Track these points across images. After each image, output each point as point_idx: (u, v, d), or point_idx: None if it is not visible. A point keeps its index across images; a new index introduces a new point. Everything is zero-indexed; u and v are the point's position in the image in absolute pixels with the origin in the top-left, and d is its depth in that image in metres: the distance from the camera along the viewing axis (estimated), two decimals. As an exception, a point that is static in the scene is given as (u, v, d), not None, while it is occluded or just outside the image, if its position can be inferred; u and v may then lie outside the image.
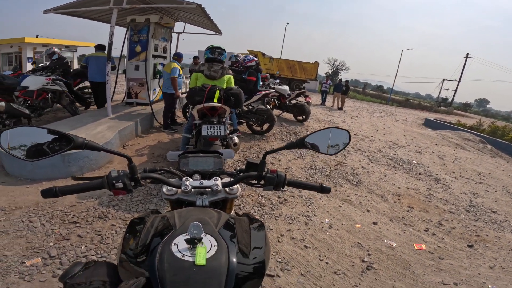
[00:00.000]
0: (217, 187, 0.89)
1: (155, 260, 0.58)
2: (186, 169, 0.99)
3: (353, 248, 2.52)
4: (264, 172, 0.92)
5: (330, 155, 1.01)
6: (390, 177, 4.50)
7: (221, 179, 0.95)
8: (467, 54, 29.30)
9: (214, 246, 0.62)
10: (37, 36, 19.06)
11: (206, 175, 0.98)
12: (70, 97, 5.53)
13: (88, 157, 3.36)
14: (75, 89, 6.02)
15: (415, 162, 5.53)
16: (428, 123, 12.21)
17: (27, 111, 4.39)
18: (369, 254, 2.45)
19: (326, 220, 2.94)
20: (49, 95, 5.07)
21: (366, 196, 3.64)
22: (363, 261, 2.35)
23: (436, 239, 2.84)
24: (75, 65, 19.48)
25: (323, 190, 0.94)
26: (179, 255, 0.59)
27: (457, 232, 3.02)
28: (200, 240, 0.60)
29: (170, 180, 0.91)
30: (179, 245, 0.61)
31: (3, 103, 3.98)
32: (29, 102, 4.69)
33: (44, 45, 16.18)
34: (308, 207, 3.16)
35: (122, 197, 2.83)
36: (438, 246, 2.71)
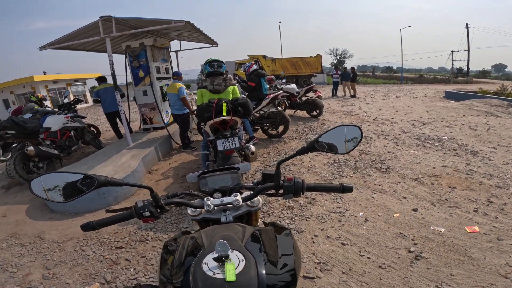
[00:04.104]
0: (238, 202, 0.92)
1: (189, 280, 0.62)
2: (206, 189, 1.04)
3: (396, 239, 2.38)
4: (281, 181, 0.92)
5: (343, 154, 1.00)
6: (422, 157, 4.26)
7: (241, 193, 0.98)
8: (467, 24, 28.77)
9: (242, 261, 0.65)
10: (44, 73, 19.81)
11: (226, 192, 1.02)
12: (91, 132, 5.74)
13: (121, 188, 3.49)
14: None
15: (445, 137, 5.22)
16: (449, 95, 11.61)
17: (56, 152, 4.58)
18: (415, 244, 2.30)
19: (360, 213, 2.81)
20: (72, 133, 5.24)
21: (399, 183, 3.45)
22: (409, 251, 2.21)
23: (489, 219, 2.60)
24: (88, 98, 19.92)
25: (344, 190, 0.92)
26: (210, 273, 0.62)
27: (510, 209, 2.74)
28: (227, 257, 0.62)
29: (193, 202, 0.95)
30: (209, 263, 0.64)
31: (32, 147, 4.18)
32: (55, 142, 4.87)
33: (54, 82, 16.91)
34: (338, 203, 3.05)
35: (158, 220, 2.89)
36: (493, 226, 2.48)
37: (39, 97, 6.29)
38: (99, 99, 6.01)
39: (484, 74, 36.01)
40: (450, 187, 3.25)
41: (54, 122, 4.84)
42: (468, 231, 2.43)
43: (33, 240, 2.83)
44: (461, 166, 3.84)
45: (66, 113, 5.26)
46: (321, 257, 2.22)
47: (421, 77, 28.66)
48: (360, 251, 2.26)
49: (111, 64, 4.64)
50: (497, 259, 2.07)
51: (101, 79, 6.14)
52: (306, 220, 2.77)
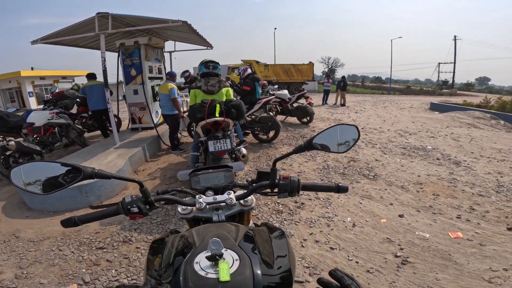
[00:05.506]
0: (231, 200, 0.89)
1: (179, 280, 0.58)
2: (198, 187, 1.00)
3: (383, 244, 2.42)
4: (276, 180, 0.90)
5: (341, 153, 0.98)
6: (407, 166, 4.37)
7: (234, 192, 0.94)
8: (455, 36, 29.83)
9: (236, 260, 0.62)
10: (32, 68, 19.27)
11: (218, 190, 0.98)
12: (77, 129, 5.59)
13: (104, 186, 3.43)
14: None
15: (430, 147, 5.38)
16: (434, 107, 12.02)
17: (38, 148, 4.46)
18: (401, 248, 2.34)
19: (349, 219, 2.84)
20: (56, 129, 5.11)
21: (386, 189, 3.52)
22: (396, 256, 2.24)
23: (472, 225, 2.69)
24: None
25: (340, 189, 0.91)
26: (202, 273, 0.58)
27: (492, 216, 2.85)
28: (221, 256, 0.60)
29: (184, 199, 0.91)
30: (201, 263, 0.61)
31: (13, 142, 4.06)
32: (38, 138, 4.74)
33: (41, 78, 16.46)
34: (327, 208, 3.07)
35: (142, 221, 2.88)
36: (475, 232, 2.56)
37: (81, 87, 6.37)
38: (84, 95, 5.87)
39: (468, 86, 37.49)
40: (434, 195, 3.34)
41: (38, 117, 4.71)
42: (452, 236, 2.50)
43: (7, 238, 2.71)
44: (445, 174, 3.96)
45: (52, 109, 5.14)
46: (310, 261, 2.22)
47: (408, 88, 29.53)
48: (348, 256, 2.27)
49: (103, 61, 4.57)
50: (480, 264, 2.13)
51: (91, 76, 6.01)
52: (295, 224, 2.77)
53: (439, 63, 31.55)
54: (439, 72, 31.47)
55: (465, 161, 4.55)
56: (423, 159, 4.71)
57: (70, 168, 0.80)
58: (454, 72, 30.26)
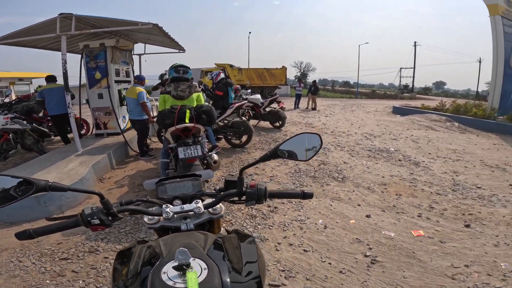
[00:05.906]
0: (199, 209, 0.89)
1: None
2: (165, 196, 0.99)
3: (353, 244, 2.51)
4: (243, 188, 0.91)
5: (305, 160, 1.02)
6: (373, 167, 4.61)
7: (202, 201, 0.95)
8: (415, 42, 32.39)
9: (205, 269, 0.62)
10: None
11: (186, 199, 0.98)
12: (33, 135, 5.17)
13: (65, 196, 3.21)
14: None
15: (392, 149, 5.72)
16: (396, 110, 12.83)
17: None
18: (370, 248, 2.44)
19: (320, 221, 2.92)
20: (11, 135, 4.74)
21: (354, 191, 3.67)
22: (365, 256, 2.34)
23: (432, 223, 2.88)
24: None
25: (305, 196, 0.94)
26: (170, 283, 0.58)
27: (450, 213, 3.07)
28: (188, 265, 0.60)
29: (150, 209, 0.89)
30: (168, 273, 0.61)
31: None
32: None
33: None
34: (299, 211, 3.13)
35: (110, 230, 2.74)
36: (436, 230, 2.74)
37: None
38: (43, 99, 5.45)
39: (426, 90, 40.64)
40: (397, 195, 3.55)
41: None
42: (414, 235, 2.66)
43: (-37, 250, 2.46)
44: (406, 175, 4.23)
45: (6, 114, 4.76)
46: (285, 265, 2.24)
47: (373, 93, 31.31)
48: (321, 257, 2.33)
49: (64, 63, 4.31)
50: (442, 261, 2.27)
51: (50, 78, 5.59)
52: (269, 228, 2.79)
53: (400, 68, 33.82)
54: (400, 76, 33.67)
55: (424, 161, 4.91)
56: (387, 160, 5.00)
57: (21, 180, 0.76)
58: (414, 76, 32.65)
